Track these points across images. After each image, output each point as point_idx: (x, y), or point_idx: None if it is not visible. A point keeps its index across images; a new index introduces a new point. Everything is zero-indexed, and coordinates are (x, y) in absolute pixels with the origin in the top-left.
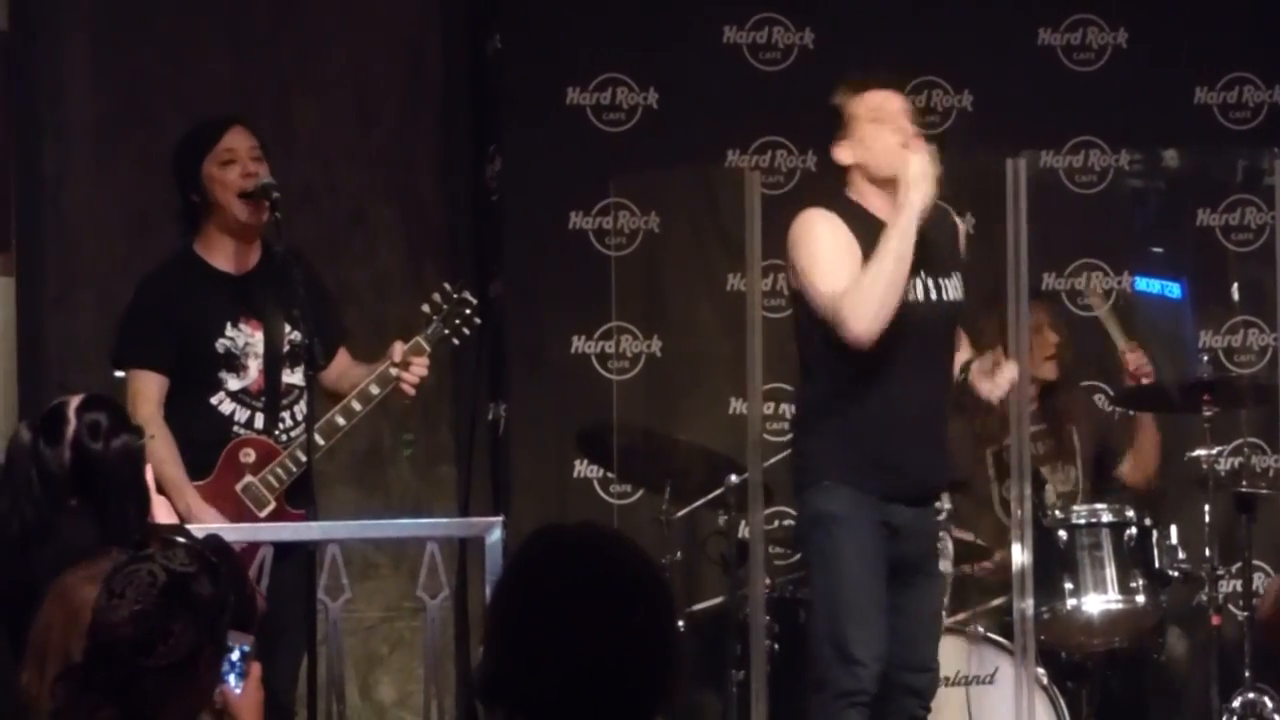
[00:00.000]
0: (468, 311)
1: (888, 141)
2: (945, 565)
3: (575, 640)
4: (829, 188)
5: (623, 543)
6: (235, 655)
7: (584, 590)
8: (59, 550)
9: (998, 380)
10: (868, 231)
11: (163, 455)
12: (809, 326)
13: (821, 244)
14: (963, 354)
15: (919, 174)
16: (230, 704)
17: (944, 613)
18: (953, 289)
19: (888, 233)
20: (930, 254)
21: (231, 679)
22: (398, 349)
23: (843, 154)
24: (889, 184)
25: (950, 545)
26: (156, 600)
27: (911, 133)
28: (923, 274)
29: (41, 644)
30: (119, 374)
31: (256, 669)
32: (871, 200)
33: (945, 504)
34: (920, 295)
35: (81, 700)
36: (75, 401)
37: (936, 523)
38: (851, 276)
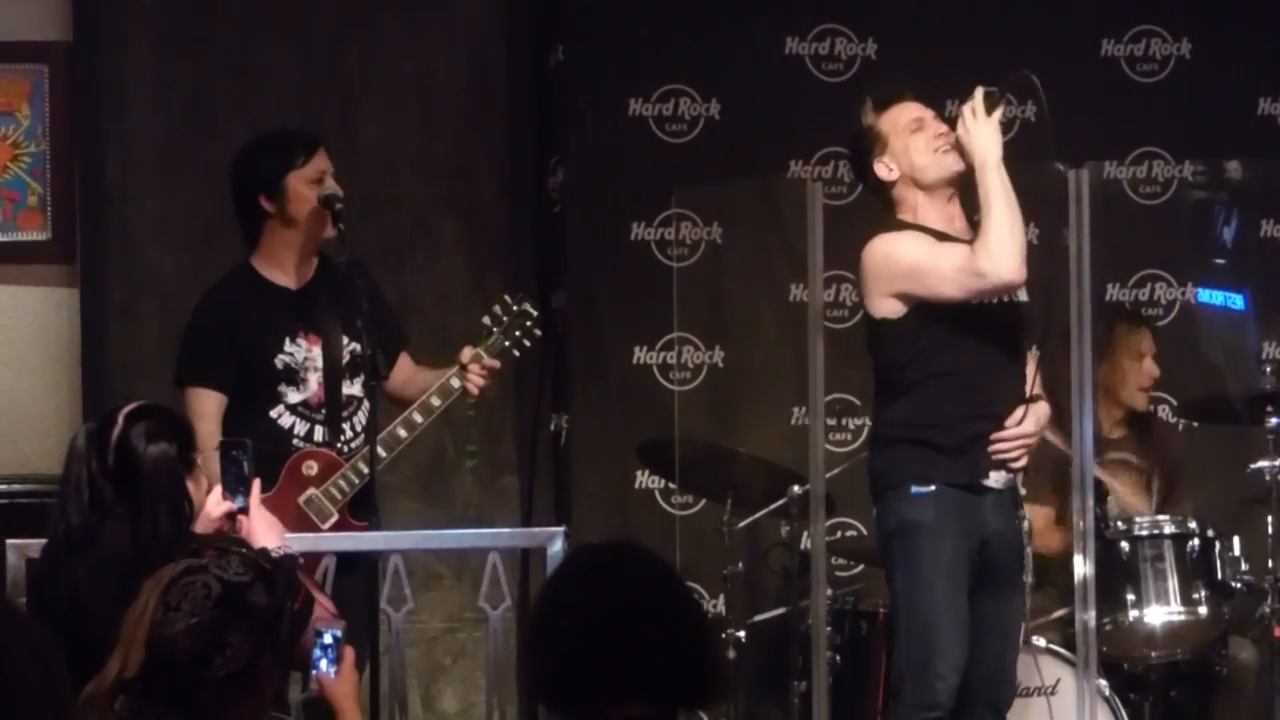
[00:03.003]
0: (528, 323)
1: (930, 146)
2: (1027, 576)
3: (605, 658)
4: (878, 216)
5: (652, 561)
6: (328, 640)
7: (613, 609)
8: (99, 556)
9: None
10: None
11: None
12: (896, 345)
13: (915, 247)
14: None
15: (978, 127)
16: (326, 689)
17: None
18: (1022, 293)
19: (981, 177)
20: None
21: (324, 664)
22: (466, 354)
23: (885, 170)
24: (940, 189)
25: (1030, 557)
26: (212, 612)
27: (948, 133)
28: None
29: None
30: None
31: (350, 653)
32: (925, 214)
33: (1026, 515)
34: (992, 300)
35: (145, 708)
36: (127, 408)
37: (1022, 531)
38: (958, 246)
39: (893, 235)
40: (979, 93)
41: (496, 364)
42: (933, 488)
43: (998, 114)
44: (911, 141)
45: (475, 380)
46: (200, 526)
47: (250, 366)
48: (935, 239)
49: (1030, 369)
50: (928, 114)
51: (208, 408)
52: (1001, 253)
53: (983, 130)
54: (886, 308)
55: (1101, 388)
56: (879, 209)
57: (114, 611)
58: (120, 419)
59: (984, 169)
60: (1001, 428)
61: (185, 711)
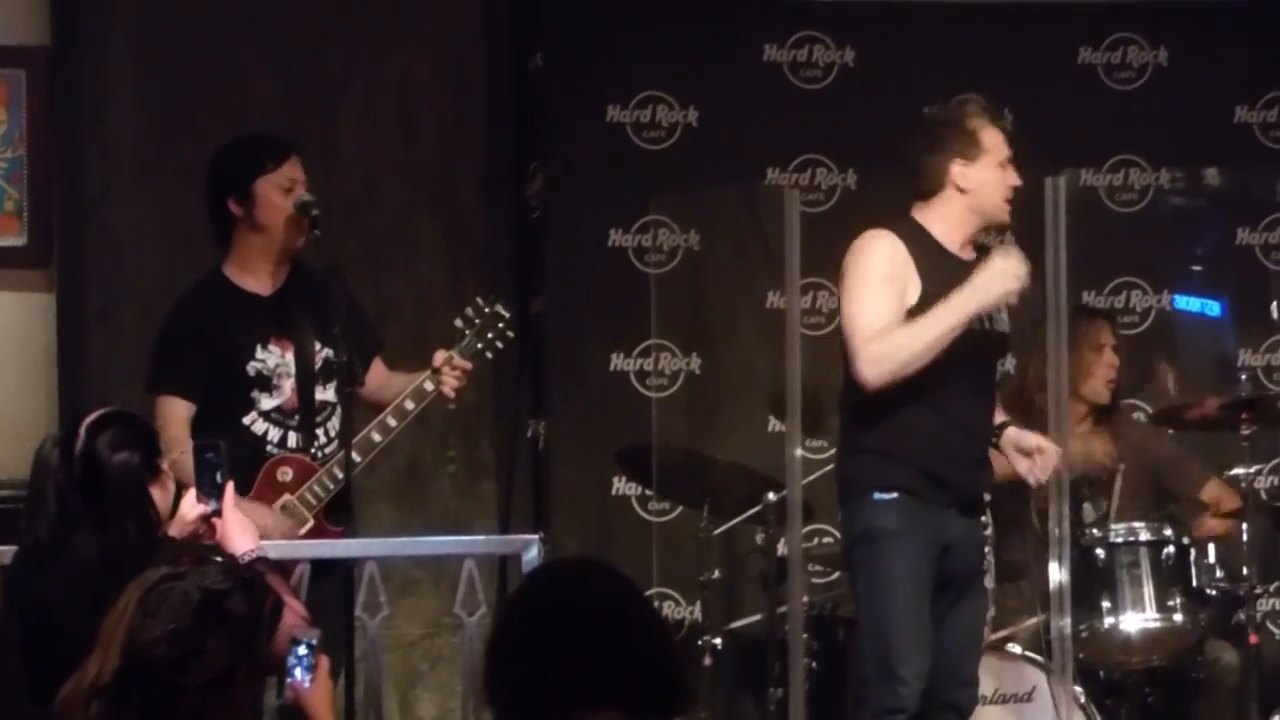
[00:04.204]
0: (500, 325)
1: (1001, 192)
2: (988, 581)
3: (571, 664)
4: (896, 203)
5: (613, 574)
6: (303, 649)
7: (577, 616)
8: (68, 567)
9: (1041, 465)
10: (930, 257)
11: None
12: None
13: (872, 273)
14: (999, 415)
15: (1006, 271)
16: (301, 697)
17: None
18: (1002, 322)
19: (949, 305)
20: None
21: (298, 672)
22: (439, 357)
23: (959, 174)
24: (981, 223)
25: (992, 562)
26: (190, 619)
27: (1016, 184)
28: None
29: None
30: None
31: (325, 661)
32: (951, 229)
33: (988, 519)
34: (975, 323)
35: (119, 716)
36: (90, 418)
37: (984, 537)
38: (887, 319)
39: (879, 245)
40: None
41: (469, 365)
42: (894, 495)
43: (1019, 287)
44: (996, 175)
45: (449, 383)
46: (175, 529)
47: (222, 373)
48: (915, 259)
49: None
50: (1010, 154)
51: (177, 415)
52: (887, 361)
53: (1005, 270)
54: None
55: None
56: (917, 188)
57: (86, 621)
58: (83, 429)
59: (971, 293)
60: (963, 454)
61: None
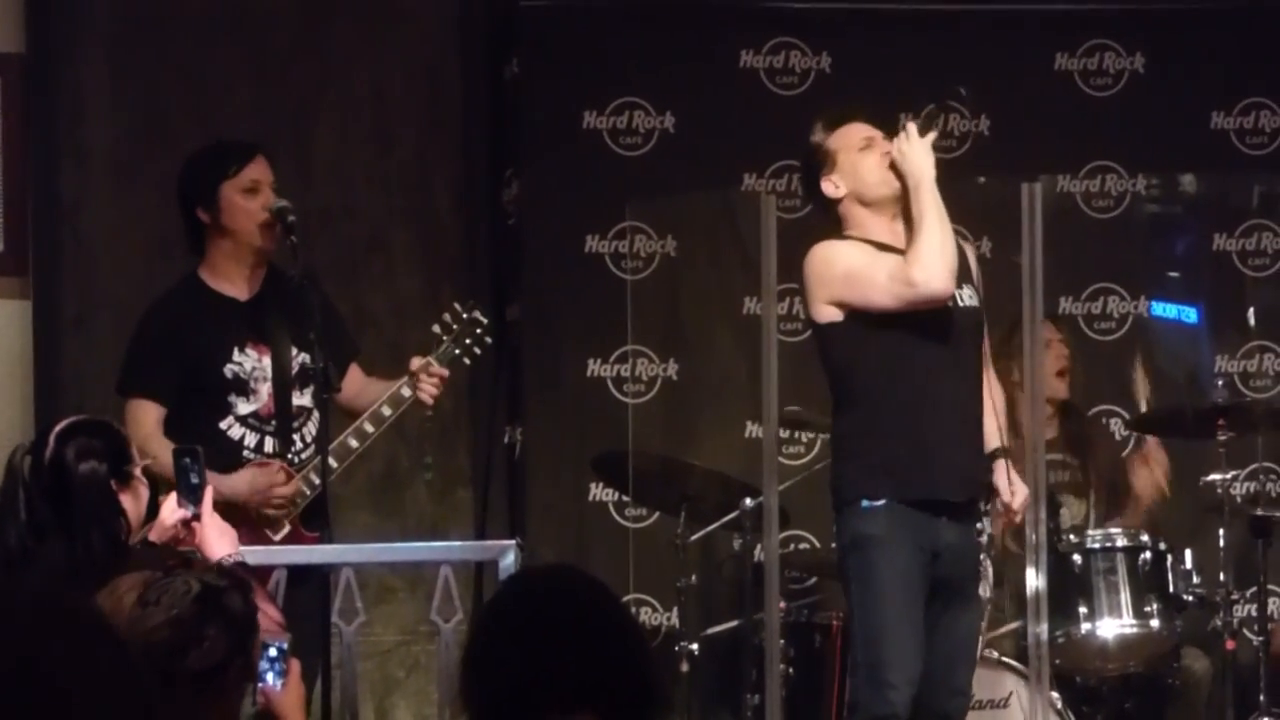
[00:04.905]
0: (478, 331)
1: (878, 165)
2: (984, 590)
3: (547, 669)
4: (828, 231)
5: (589, 580)
6: (273, 652)
7: (553, 622)
8: (35, 575)
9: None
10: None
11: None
12: (843, 351)
13: (852, 254)
14: (994, 438)
15: (910, 141)
16: (272, 701)
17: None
18: (968, 296)
19: (915, 195)
20: None
21: (270, 677)
22: (415, 362)
23: (831, 187)
24: (885, 207)
25: (990, 569)
26: (191, 607)
27: (887, 151)
28: None
29: None
30: None
31: (296, 666)
32: (871, 228)
33: (986, 527)
34: (933, 306)
35: None
36: (59, 426)
37: (978, 544)
38: (897, 258)
39: (832, 242)
40: (911, 120)
41: (446, 372)
42: (882, 502)
43: (931, 135)
44: (860, 160)
45: (427, 389)
46: (155, 534)
47: (198, 377)
48: (876, 249)
49: (992, 423)
50: (877, 134)
51: (148, 417)
52: (932, 264)
53: (916, 150)
54: (826, 314)
55: (1019, 387)
56: (827, 226)
57: None
58: (52, 437)
59: (917, 187)
60: (954, 448)
61: None
